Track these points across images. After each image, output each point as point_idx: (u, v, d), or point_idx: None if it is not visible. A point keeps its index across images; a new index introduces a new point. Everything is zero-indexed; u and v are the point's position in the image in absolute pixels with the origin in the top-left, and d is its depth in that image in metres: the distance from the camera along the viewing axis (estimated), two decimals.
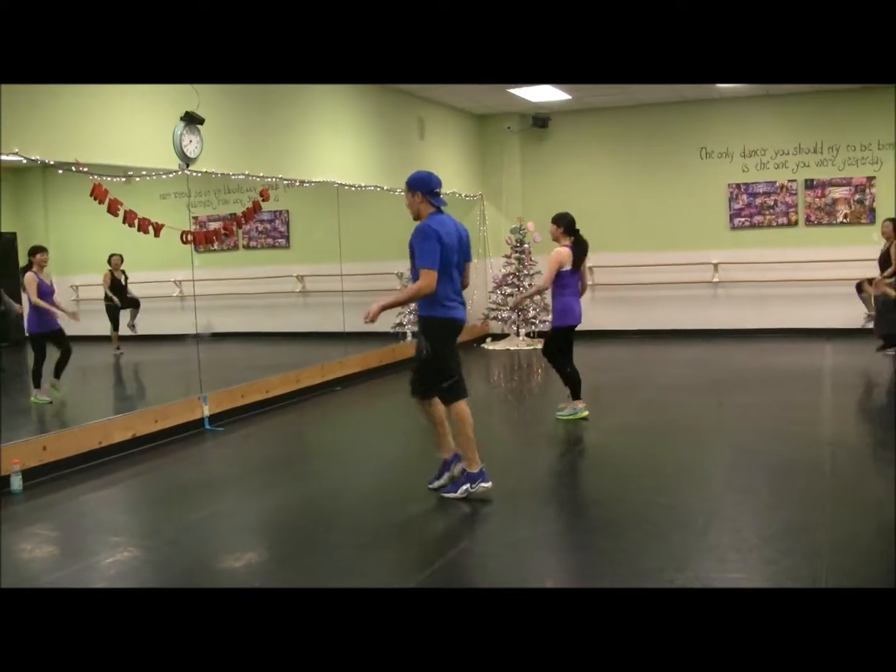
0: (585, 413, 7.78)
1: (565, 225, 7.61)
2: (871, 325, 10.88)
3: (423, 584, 4.19)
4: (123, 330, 12.25)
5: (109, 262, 11.79)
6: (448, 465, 5.68)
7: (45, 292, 9.06)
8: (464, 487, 5.50)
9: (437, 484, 5.67)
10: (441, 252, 5.29)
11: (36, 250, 9.20)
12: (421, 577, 4.28)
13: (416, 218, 5.50)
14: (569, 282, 7.59)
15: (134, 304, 12.21)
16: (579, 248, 7.58)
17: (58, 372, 9.34)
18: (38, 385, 9.26)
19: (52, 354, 9.28)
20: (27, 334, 9.18)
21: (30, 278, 9.01)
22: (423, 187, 5.46)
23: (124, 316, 12.21)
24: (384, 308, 5.35)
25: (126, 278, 12.06)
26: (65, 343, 9.30)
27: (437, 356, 5.47)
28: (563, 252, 7.52)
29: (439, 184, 5.57)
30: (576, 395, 7.77)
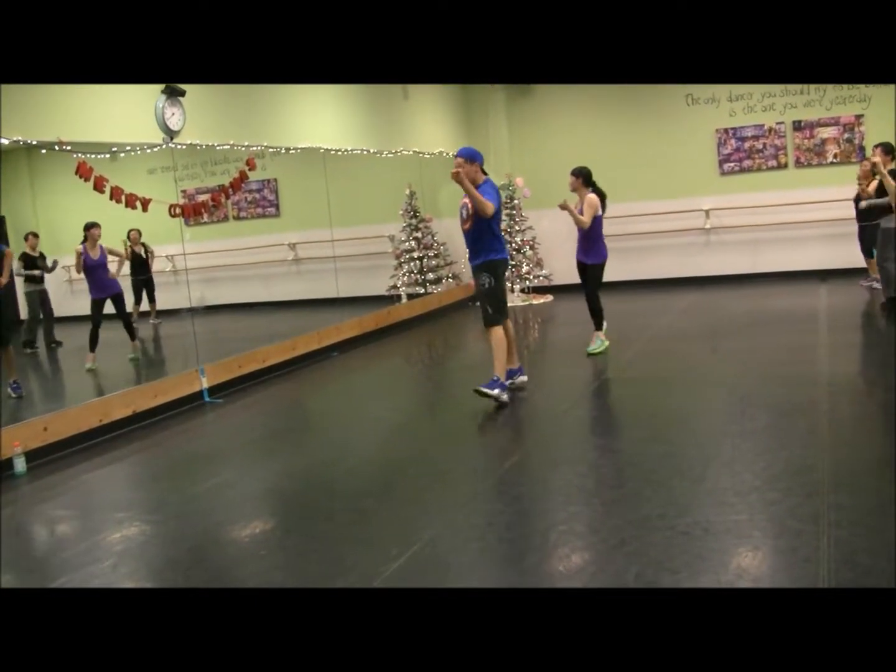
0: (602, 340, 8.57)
1: (583, 177, 8.33)
2: (865, 283, 10.76)
3: (426, 549, 4.24)
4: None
5: (129, 237, 11.72)
6: (512, 374, 7.23)
7: (90, 265, 9.77)
8: (495, 392, 6.74)
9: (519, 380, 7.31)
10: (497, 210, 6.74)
11: (90, 226, 9.82)
12: (418, 543, 4.33)
13: (473, 183, 6.65)
14: (600, 226, 8.43)
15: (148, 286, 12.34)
16: (602, 197, 8.35)
17: (131, 335, 10.31)
18: (92, 349, 9.77)
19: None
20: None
21: (76, 251, 9.74)
22: (479, 159, 6.86)
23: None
24: (469, 192, 6.59)
25: (148, 252, 12.07)
26: (120, 308, 10.14)
27: (497, 287, 6.91)
28: (595, 198, 8.26)
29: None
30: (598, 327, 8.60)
